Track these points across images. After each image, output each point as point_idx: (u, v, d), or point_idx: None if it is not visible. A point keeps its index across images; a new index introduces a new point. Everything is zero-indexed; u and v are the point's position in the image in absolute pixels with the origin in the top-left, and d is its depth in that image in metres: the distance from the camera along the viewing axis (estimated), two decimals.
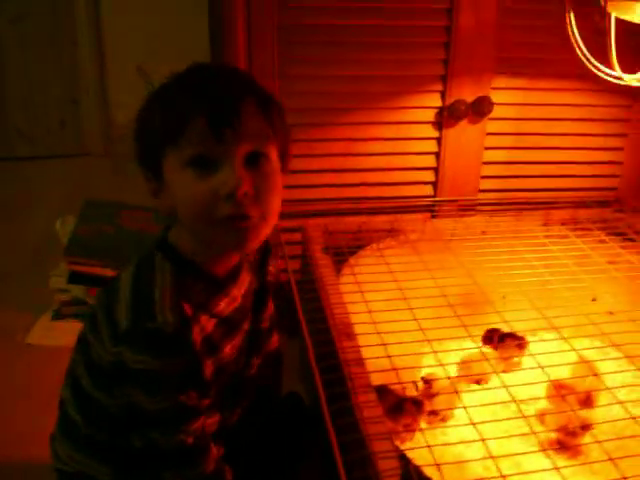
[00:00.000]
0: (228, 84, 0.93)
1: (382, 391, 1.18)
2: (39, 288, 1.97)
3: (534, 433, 1.12)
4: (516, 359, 1.49)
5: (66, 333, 1.80)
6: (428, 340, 1.25)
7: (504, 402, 1.18)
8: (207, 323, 0.96)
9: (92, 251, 1.88)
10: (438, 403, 1.31)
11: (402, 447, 1.08)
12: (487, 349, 1.46)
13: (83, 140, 3.04)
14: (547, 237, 1.65)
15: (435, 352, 1.24)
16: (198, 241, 0.96)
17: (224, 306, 1.00)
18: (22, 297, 1.99)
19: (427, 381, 1.37)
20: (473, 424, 1.08)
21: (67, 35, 2.88)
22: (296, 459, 1.22)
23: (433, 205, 1.78)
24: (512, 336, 1.45)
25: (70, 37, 2.88)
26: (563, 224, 1.73)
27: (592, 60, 1.37)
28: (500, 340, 1.49)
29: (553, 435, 1.26)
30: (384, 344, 1.22)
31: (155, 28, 2.66)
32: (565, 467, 1.04)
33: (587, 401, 1.35)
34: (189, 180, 0.89)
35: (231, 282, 1.01)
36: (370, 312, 1.31)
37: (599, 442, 1.07)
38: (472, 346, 1.31)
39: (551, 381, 1.26)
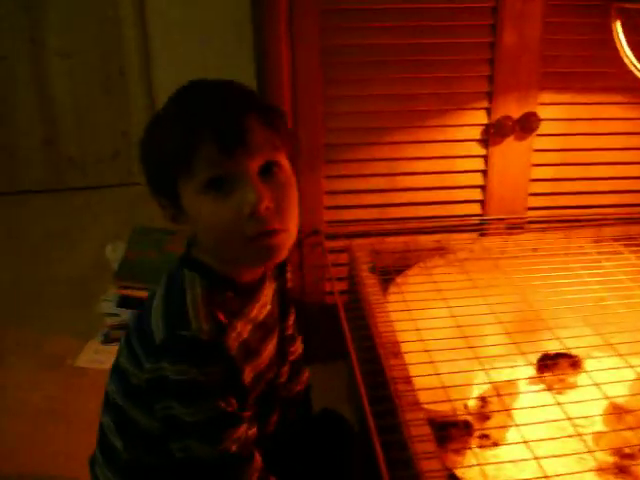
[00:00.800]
0: (228, 102, 0.92)
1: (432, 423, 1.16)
2: (89, 313, 2.00)
3: (590, 452, 1.08)
4: (571, 379, 1.45)
5: (114, 356, 1.82)
6: (478, 358, 1.22)
7: (558, 420, 1.14)
8: (243, 328, 0.96)
9: (141, 275, 1.90)
10: (490, 424, 1.27)
11: (451, 466, 1.05)
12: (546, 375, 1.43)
13: (134, 170, 3.09)
14: (599, 253, 1.60)
15: (485, 370, 1.20)
16: (222, 258, 0.96)
17: (257, 312, 1.01)
18: (73, 322, 2.03)
19: (483, 399, 1.34)
20: (525, 442, 1.04)
21: (117, 66, 2.95)
22: (334, 473, 1.20)
23: (481, 224, 1.75)
24: (565, 356, 1.41)
25: (119, 69, 2.95)
26: (615, 240, 1.68)
27: None
28: (553, 360, 1.45)
29: (610, 458, 1.22)
30: (432, 362, 1.19)
31: (203, 59, 2.70)
32: None
33: None
34: (208, 205, 0.89)
35: (259, 289, 1.02)
36: (418, 330, 1.29)
37: None
38: (523, 363, 1.26)
39: (608, 400, 1.21)
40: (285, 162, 0.94)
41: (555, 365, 1.45)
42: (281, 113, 0.97)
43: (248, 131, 0.88)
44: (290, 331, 1.18)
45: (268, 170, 0.91)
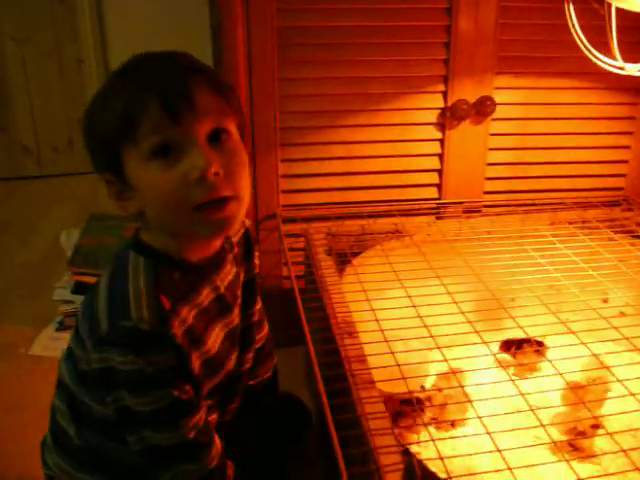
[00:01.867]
0: (174, 66, 0.89)
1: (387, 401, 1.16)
2: (44, 301, 1.97)
3: (544, 428, 1.08)
4: (534, 362, 1.46)
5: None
6: (432, 336, 1.22)
7: (513, 396, 1.14)
8: (188, 314, 0.92)
9: (95, 261, 1.88)
10: (445, 405, 1.27)
11: (405, 442, 1.05)
12: (503, 354, 1.45)
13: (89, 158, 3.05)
14: (554, 236, 1.61)
15: (439, 348, 1.20)
16: (171, 235, 0.92)
17: (205, 295, 0.97)
18: (27, 310, 1.99)
19: (439, 379, 1.34)
20: (480, 418, 1.04)
21: (72, 54, 2.91)
22: (290, 456, 1.20)
23: (437, 208, 1.76)
24: (529, 342, 1.43)
25: (75, 56, 2.91)
26: (570, 223, 1.70)
27: (593, 50, 1.36)
28: (518, 347, 1.47)
29: (564, 435, 1.23)
30: (387, 341, 1.19)
31: (160, 43, 2.67)
32: (573, 459, 1.01)
33: (600, 401, 1.32)
34: (153, 173, 0.85)
35: (213, 271, 0.99)
36: (373, 311, 1.29)
37: (610, 434, 1.03)
38: (478, 341, 1.27)
39: (563, 378, 1.22)
40: (234, 130, 0.91)
41: (519, 350, 1.47)
42: (229, 84, 0.94)
43: (195, 94, 0.85)
44: (256, 317, 1.16)
45: (217, 137, 0.88)
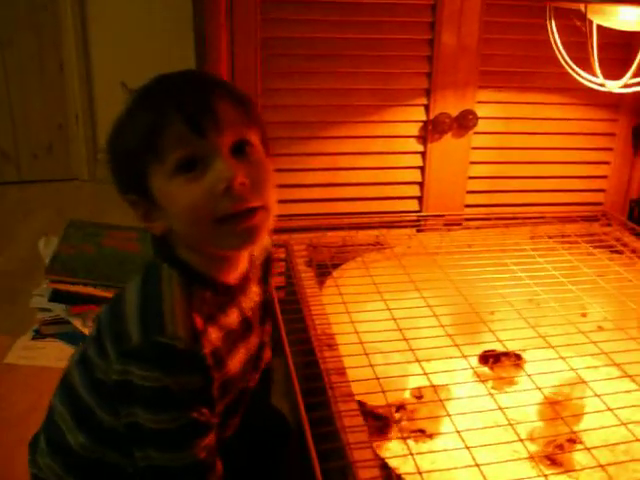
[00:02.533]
0: (193, 81, 0.90)
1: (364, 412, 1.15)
2: (21, 308, 1.94)
3: (522, 443, 1.09)
4: (512, 376, 1.46)
5: (45, 353, 1.78)
6: (412, 349, 1.22)
7: (491, 410, 1.15)
8: (215, 336, 0.91)
9: (74, 269, 1.86)
10: (425, 417, 1.27)
11: (383, 456, 1.04)
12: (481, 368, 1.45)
13: (70, 165, 3.03)
14: (534, 250, 1.62)
15: (419, 361, 1.20)
16: (200, 252, 0.91)
17: (233, 317, 0.95)
18: (3, 318, 1.96)
19: (418, 392, 1.34)
20: (459, 432, 1.04)
21: (54, 59, 2.89)
22: (269, 468, 1.19)
23: (418, 220, 1.76)
24: (508, 355, 1.44)
25: (57, 61, 2.89)
26: (550, 237, 1.71)
27: (574, 67, 1.37)
28: (496, 360, 1.47)
29: (542, 449, 1.23)
30: (366, 354, 1.19)
31: (143, 50, 2.67)
32: (551, 474, 1.01)
33: (578, 416, 1.32)
34: (180, 187, 0.84)
35: (241, 293, 0.97)
36: (353, 323, 1.29)
37: (588, 449, 1.04)
38: (457, 354, 1.27)
39: (541, 392, 1.22)
40: (257, 142, 0.90)
41: (497, 363, 1.47)
42: (249, 97, 0.94)
43: (217, 107, 0.85)
44: (267, 338, 1.14)
45: (240, 149, 0.87)
